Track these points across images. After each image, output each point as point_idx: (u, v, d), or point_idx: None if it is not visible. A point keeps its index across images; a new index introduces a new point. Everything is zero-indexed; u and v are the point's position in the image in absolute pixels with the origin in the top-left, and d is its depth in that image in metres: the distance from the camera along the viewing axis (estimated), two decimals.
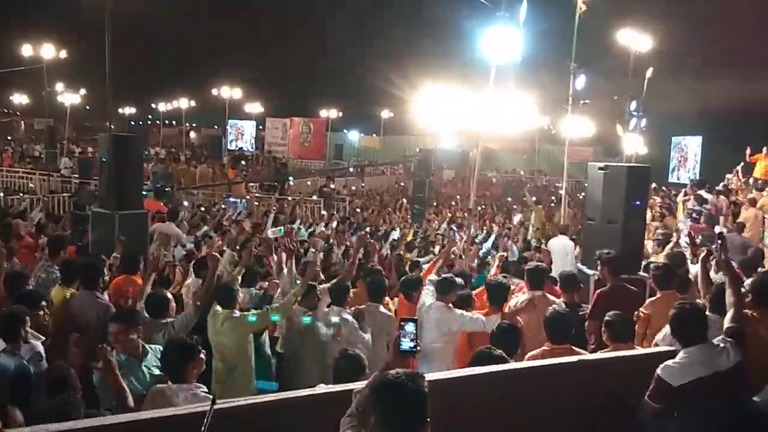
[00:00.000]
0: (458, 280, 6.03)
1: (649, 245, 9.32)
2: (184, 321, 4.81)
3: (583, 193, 17.26)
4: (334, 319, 5.20)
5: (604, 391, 3.71)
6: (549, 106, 20.06)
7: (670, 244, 8.24)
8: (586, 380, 3.79)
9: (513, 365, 3.76)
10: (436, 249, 10.97)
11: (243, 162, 24.52)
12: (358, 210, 17.24)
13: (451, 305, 5.42)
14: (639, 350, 4.45)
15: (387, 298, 6.13)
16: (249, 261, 6.02)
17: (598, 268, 6.17)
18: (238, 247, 6.70)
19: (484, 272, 8.24)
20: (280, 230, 6.76)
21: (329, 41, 44.36)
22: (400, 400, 2.22)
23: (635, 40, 12.38)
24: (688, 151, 24.79)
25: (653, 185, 15.82)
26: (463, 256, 9.01)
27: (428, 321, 5.33)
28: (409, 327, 2.87)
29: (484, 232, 14.00)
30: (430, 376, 2.65)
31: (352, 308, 5.50)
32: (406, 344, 2.85)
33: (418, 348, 2.90)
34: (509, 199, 23.06)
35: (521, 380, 3.63)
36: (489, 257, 10.39)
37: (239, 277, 5.76)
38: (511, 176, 31.68)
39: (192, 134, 44.26)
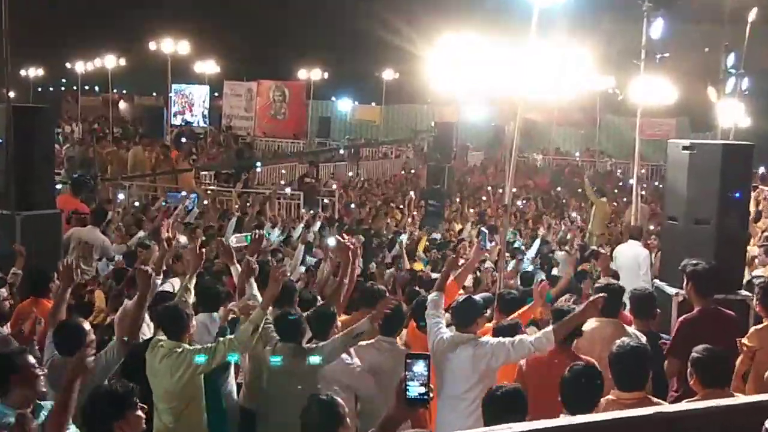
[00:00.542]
0: (479, 297, 6.03)
1: (754, 253, 9.33)
2: (103, 362, 4.83)
3: (661, 183, 17.25)
4: (314, 359, 5.18)
5: None
6: (614, 62, 20.07)
7: None
8: None
9: (540, 423, 3.75)
10: (461, 262, 10.97)
11: (184, 139, 24.46)
12: (353, 207, 17.26)
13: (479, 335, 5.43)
14: (740, 398, 4.45)
15: None
16: (199, 263, 6.03)
17: (683, 285, 6.18)
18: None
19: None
20: (245, 237, 6.81)
21: None
22: None
23: None
24: None
25: (760, 170, 15.81)
26: (497, 272, 9.03)
27: (451, 361, 5.26)
28: (419, 367, 2.81)
29: (523, 238, 13.99)
30: None
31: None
32: (415, 390, 2.80)
33: (431, 395, 2.84)
34: (560, 189, 23.06)
35: None
36: (535, 272, 10.39)
37: (191, 292, 5.78)
38: (562, 159, 31.69)
39: (122, 104, 44.33)
